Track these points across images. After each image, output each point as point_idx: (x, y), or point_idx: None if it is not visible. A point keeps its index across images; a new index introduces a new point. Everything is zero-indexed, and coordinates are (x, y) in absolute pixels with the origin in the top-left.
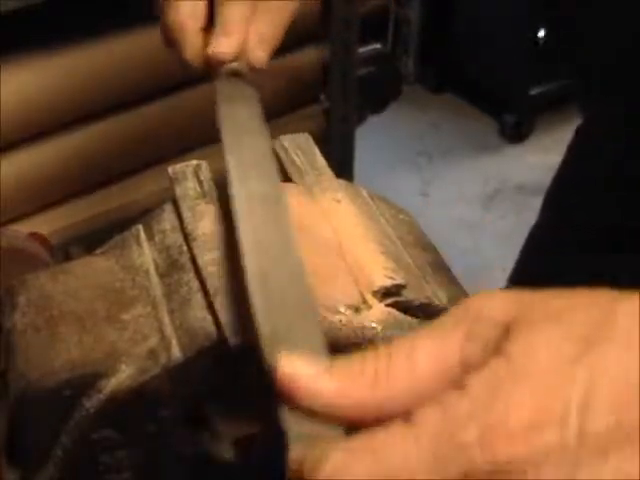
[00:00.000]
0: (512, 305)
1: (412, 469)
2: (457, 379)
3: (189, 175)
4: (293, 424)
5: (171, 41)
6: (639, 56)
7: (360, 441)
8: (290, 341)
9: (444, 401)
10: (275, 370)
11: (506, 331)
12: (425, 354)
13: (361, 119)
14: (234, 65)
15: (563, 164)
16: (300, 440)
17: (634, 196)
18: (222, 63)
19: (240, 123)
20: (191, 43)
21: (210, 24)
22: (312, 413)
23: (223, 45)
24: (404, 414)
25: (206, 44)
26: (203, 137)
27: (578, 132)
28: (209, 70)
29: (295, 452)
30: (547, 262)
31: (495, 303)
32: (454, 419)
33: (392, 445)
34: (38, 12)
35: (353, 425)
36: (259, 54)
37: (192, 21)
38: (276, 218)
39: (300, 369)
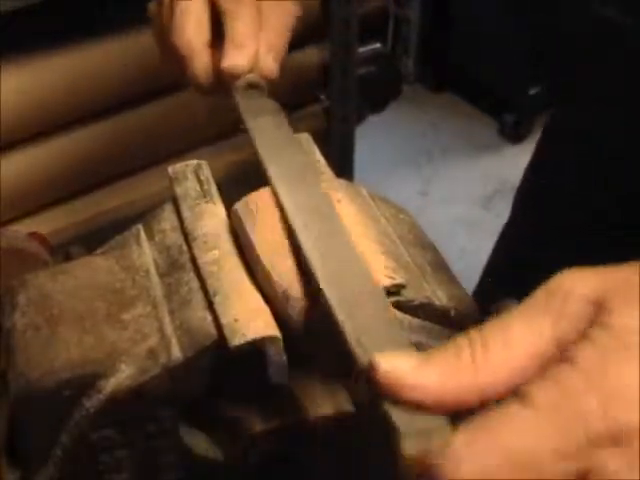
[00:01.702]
0: (601, 281)
1: (536, 445)
2: (552, 357)
3: (189, 175)
4: (401, 419)
5: (177, 61)
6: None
7: (479, 424)
8: (378, 343)
9: (556, 375)
10: (372, 369)
11: (599, 306)
12: (520, 338)
13: (361, 119)
14: (249, 77)
15: (542, 164)
16: (411, 434)
17: (633, 196)
18: (237, 77)
19: (272, 136)
20: (200, 60)
21: (214, 40)
22: (416, 406)
23: (237, 58)
24: (513, 394)
25: (214, 60)
26: (203, 137)
27: (547, 131)
28: (221, 86)
29: (409, 447)
30: (526, 262)
31: (583, 281)
32: (571, 391)
33: (512, 424)
34: (38, 12)
35: (456, 413)
36: (270, 64)
37: (198, 38)
38: (333, 228)
39: (399, 364)
